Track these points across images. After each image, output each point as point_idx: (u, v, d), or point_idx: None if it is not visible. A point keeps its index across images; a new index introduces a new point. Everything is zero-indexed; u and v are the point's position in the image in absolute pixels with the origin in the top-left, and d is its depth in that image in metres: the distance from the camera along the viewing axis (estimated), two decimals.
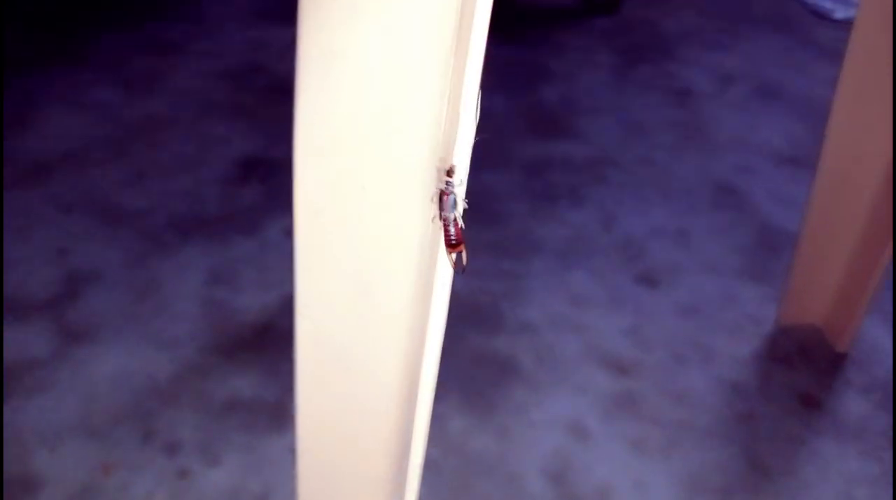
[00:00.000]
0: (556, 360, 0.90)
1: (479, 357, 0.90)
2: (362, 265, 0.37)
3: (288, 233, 1.10)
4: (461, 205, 0.34)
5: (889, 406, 0.87)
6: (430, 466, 0.77)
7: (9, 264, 0.97)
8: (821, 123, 0.86)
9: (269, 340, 0.89)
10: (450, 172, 0.33)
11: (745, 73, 1.65)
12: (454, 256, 0.35)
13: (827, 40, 1.75)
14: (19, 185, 1.12)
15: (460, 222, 0.35)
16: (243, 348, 0.88)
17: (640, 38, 1.76)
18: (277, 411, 0.81)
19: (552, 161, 1.30)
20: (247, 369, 0.85)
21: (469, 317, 0.96)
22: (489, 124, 1.50)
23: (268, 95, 1.40)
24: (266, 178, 1.18)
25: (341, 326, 0.39)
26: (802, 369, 0.91)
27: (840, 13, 1.83)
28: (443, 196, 0.34)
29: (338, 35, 0.32)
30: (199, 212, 1.10)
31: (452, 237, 0.34)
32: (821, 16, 1.85)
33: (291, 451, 0.71)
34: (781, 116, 1.50)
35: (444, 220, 0.34)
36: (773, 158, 1.36)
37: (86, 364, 0.85)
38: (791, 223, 1.13)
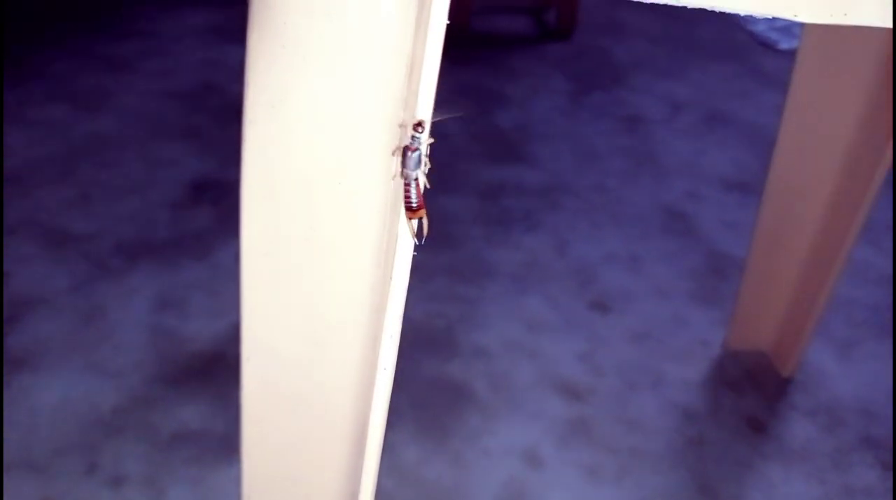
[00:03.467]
0: (510, 386, 0.90)
1: (433, 383, 0.90)
2: (311, 308, 0.36)
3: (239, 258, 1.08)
4: (425, 163, 0.32)
5: (833, 429, 0.89)
6: (385, 497, 0.76)
7: None
8: (768, 150, 0.89)
9: (219, 368, 0.87)
10: (417, 126, 0.31)
11: (695, 101, 1.69)
12: (414, 222, 0.33)
13: (773, 69, 1.80)
14: None
15: (423, 183, 0.32)
16: (191, 377, 0.86)
17: (592, 65, 1.79)
18: (226, 443, 0.79)
19: (507, 186, 1.31)
20: (195, 400, 0.83)
21: (423, 342, 0.96)
22: (444, 148, 1.50)
23: (220, 115, 1.39)
24: (218, 200, 1.16)
25: (289, 369, 0.38)
26: (750, 394, 0.93)
27: (785, 44, 1.90)
28: (406, 152, 0.31)
29: (284, 84, 0.31)
30: (147, 235, 1.07)
31: (413, 200, 0.32)
32: (767, 46, 1.91)
33: (239, 483, 0.70)
34: (729, 143, 1.55)
35: (406, 179, 0.32)
36: (722, 184, 1.39)
37: (27, 394, 0.82)
38: (739, 248, 1.15)
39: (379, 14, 0.29)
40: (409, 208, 0.32)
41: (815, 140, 0.85)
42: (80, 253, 1.03)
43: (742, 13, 0.32)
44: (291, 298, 0.36)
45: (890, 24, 0.32)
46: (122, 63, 1.55)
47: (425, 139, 0.31)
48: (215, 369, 0.87)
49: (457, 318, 1.00)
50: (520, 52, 1.81)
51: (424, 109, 0.30)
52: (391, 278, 0.32)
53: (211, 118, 1.38)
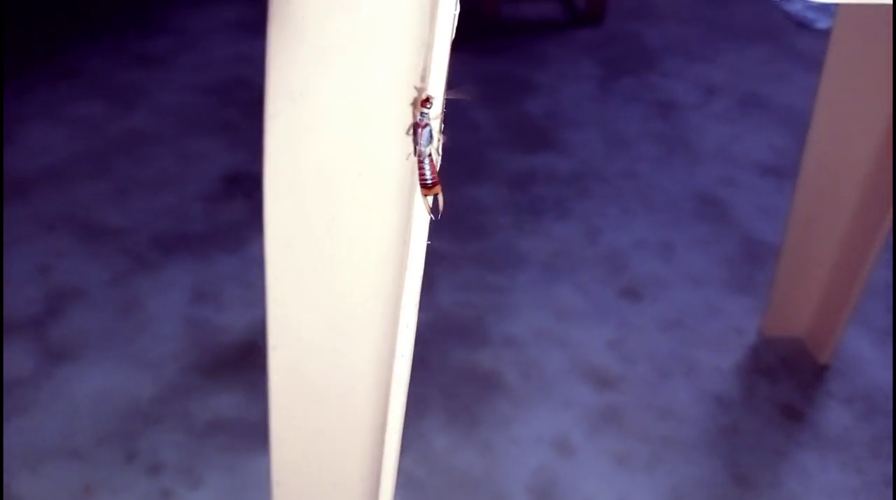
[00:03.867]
0: (540, 374, 0.90)
1: (463, 372, 0.90)
2: (333, 298, 0.37)
3: None
4: (438, 139, 0.32)
5: (870, 417, 0.88)
6: (415, 484, 0.77)
7: None
8: (804, 134, 0.87)
9: (253, 358, 0.89)
10: (425, 102, 0.31)
11: (729, 85, 1.66)
12: (430, 198, 0.33)
13: (810, 50, 1.76)
14: (1, 201, 1.12)
15: (436, 159, 0.32)
16: (226, 367, 0.87)
17: (623, 50, 1.77)
18: (260, 431, 0.80)
19: (537, 174, 1.30)
20: (230, 389, 0.84)
21: (454, 331, 0.96)
22: (473, 137, 1.50)
23: (252, 108, 1.40)
24: (250, 193, 1.17)
25: (314, 358, 0.39)
26: (785, 381, 0.91)
27: (822, 23, 1.85)
28: (417, 129, 0.31)
29: (304, 77, 0.32)
30: (182, 229, 1.09)
31: (428, 176, 0.32)
32: (803, 26, 1.87)
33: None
34: (765, 127, 1.52)
35: (419, 155, 0.32)
36: (757, 169, 1.37)
37: (68, 384, 0.84)
38: (774, 235, 1.13)
39: (394, 4, 0.30)
40: (423, 185, 0.32)
41: (849, 123, 0.83)
42: (118, 247, 1.05)
43: None
44: (314, 287, 0.37)
45: None
46: (156, 59, 1.57)
47: (435, 115, 0.31)
48: (249, 358, 0.89)
49: (487, 307, 1.00)
50: (549, 38, 1.79)
51: (434, 86, 0.30)
52: (406, 265, 0.32)
53: (242, 112, 1.39)
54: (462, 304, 1.00)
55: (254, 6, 1.80)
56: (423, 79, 0.30)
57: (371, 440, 0.38)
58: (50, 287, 0.97)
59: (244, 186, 1.19)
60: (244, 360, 0.88)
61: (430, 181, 0.32)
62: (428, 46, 0.29)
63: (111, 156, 1.25)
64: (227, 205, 1.15)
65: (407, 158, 0.32)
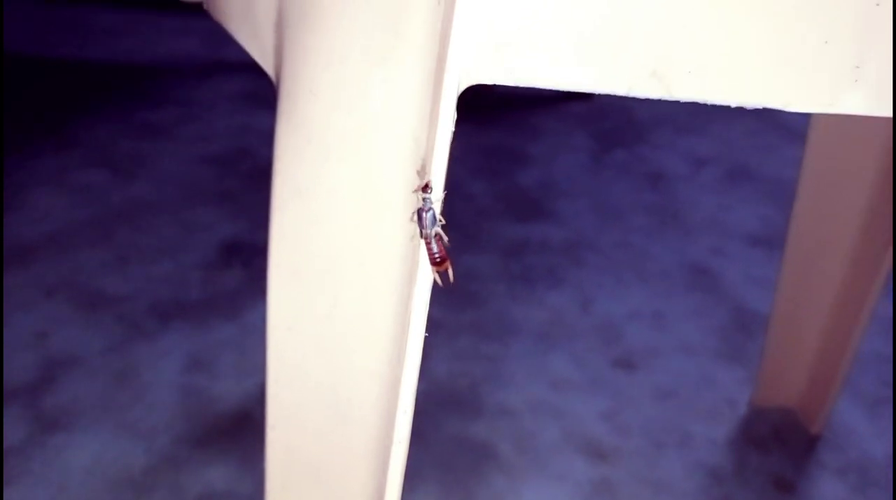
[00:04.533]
0: (535, 446, 0.90)
1: (456, 443, 0.90)
2: (332, 381, 0.38)
3: None
4: (440, 220, 0.34)
5: (863, 489, 0.88)
6: None
7: None
8: (791, 204, 0.90)
9: (247, 428, 0.89)
10: (426, 188, 0.33)
11: (718, 156, 1.71)
12: (440, 274, 0.35)
13: (796, 124, 1.81)
14: (1, 267, 1.13)
15: (443, 237, 0.35)
16: (220, 437, 0.87)
17: (614, 123, 1.82)
18: None
19: (530, 244, 1.32)
20: (222, 460, 0.84)
21: (447, 401, 0.96)
22: (469, 207, 1.52)
23: (252, 179, 1.43)
24: (248, 262, 1.19)
25: (311, 439, 0.39)
26: (777, 452, 0.91)
27: None
28: (421, 213, 0.34)
29: (310, 173, 0.34)
30: (180, 297, 1.10)
31: (437, 254, 0.34)
32: None
33: None
34: (754, 198, 1.55)
35: (426, 238, 0.34)
36: (747, 239, 1.39)
37: (60, 453, 0.84)
38: (765, 305, 1.15)
39: (393, 104, 0.32)
40: (433, 263, 0.34)
41: (834, 195, 0.85)
42: (115, 315, 1.06)
43: (733, 104, 0.33)
44: (314, 370, 0.38)
45: (876, 113, 0.33)
46: (160, 129, 1.61)
47: (437, 199, 0.33)
48: (243, 429, 0.88)
49: (481, 377, 1.01)
50: (542, 110, 1.85)
51: (434, 174, 0.32)
52: (405, 355, 0.34)
53: (243, 182, 1.42)
54: (457, 373, 1.01)
55: (257, 79, 1.85)
56: (425, 167, 0.32)
57: None
58: (46, 354, 0.98)
59: (242, 256, 1.21)
60: (238, 430, 0.88)
61: (439, 259, 0.34)
62: (428, 138, 0.31)
63: (112, 224, 1.27)
64: (225, 273, 1.16)
65: (412, 240, 0.34)
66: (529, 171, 1.57)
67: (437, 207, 0.34)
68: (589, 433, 0.92)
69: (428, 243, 0.34)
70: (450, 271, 0.35)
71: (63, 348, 0.99)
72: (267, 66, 0.41)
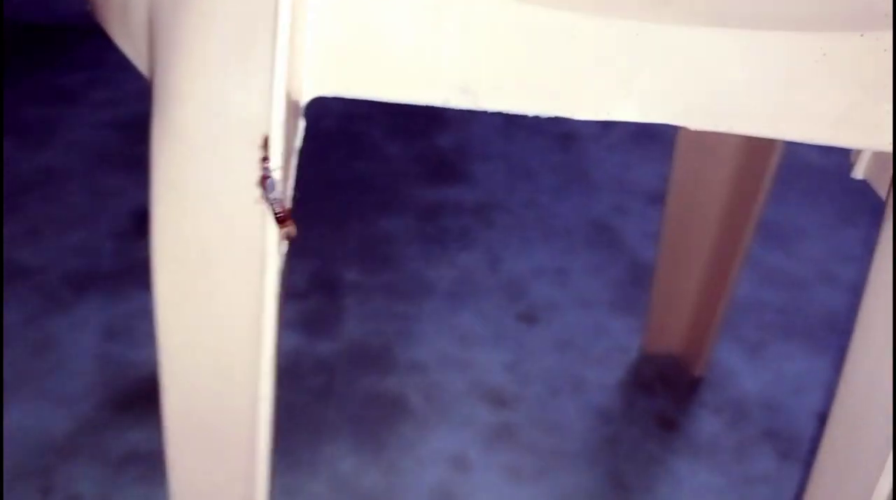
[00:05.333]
0: (442, 397, 0.97)
1: (370, 398, 0.96)
2: (215, 346, 0.44)
3: None
4: (280, 186, 0.41)
5: (737, 424, 0.98)
6: None
7: None
8: None
9: None
10: (265, 160, 0.39)
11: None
12: (284, 231, 0.41)
13: None
14: None
15: (285, 200, 0.41)
16: (139, 401, 0.91)
17: None
18: None
19: (445, 206, 1.38)
20: (143, 423, 0.88)
21: (362, 360, 1.02)
22: (386, 170, 1.56)
23: None
24: None
25: (201, 400, 0.45)
26: (662, 394, 1.01)
27: None
28: (264, 180, 0.40)
29: (180, 168, 0.39)
30: (94, 266, 1.12)
31: (280, 214, 0.40)
32: None
33: None
34: (656, 157, 1.64)
35: (269, 201, 0.40)
36: (647, 197, 1.48)
37: None
38: None
39: (252, 113, 0.38)
40: (277, 222, 0.41)
41: (708, 150, 0.93)
42: (31, 286, 1.07)
43: (531, 114, 0.40)
44: (198, 341, 0.44)
45: (646, 120, 0.41)
46: (68, 94, 1.58)
47: (275, 168, 0.40)
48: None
49: (394, 335, 1.07)
50: None
51: (273, 151, 0.38)
52: (264, 311, 0.40)
53: None
54: (371, 333, 1.07)
55: None
56: (266, 142, 0.38)
57: (250, 467, 0.45)
58: None
59: None
60: (156, 395, 0.92)
61: (281, 217, 0.40)
62: (272, 123, 0.37)
63: (23, 194, 1.26)
64: (139, 242, 1.18)
65: (255, 203, 0.40)
66: (445, 133, 1.62)
67: (276, 174, 0.40)
68: (492, 383, 1.00)
69: (271, 206, 0.40)
70: (292, 229, 0.41)
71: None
72: (142, 68, 0.45)
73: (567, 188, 1.49)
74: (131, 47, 0.46)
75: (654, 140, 1.71)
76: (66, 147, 1.41)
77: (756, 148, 0.88)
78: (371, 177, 1.45)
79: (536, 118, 0.42)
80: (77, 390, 0.91)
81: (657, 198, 1.49)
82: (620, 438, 0.94)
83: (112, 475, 0.82)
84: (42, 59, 1.71)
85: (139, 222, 1.22)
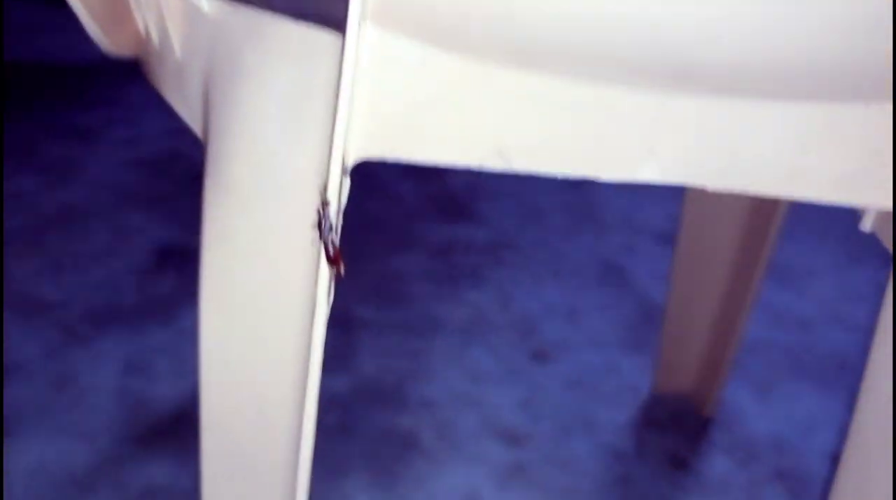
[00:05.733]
0: (454, 434, 0.98)
1: (383, 434, 0.97)
2: (257, 386, 0.45)
3: None
4: (336, 228, 0.43)
5: (748, 463, 0.99)
6: None
7: None
8: None
9: (183, 427, 0.94)
10: (324, 205, 0.42)
11: None
12: (334, 269, 0.44)
13: None
14: None
15: (336, 241, 0.43)
16: (158, 436, 0.92)
17: None
18: (192, 497, 0.85)
19: (456, 244, 1.40)
20: (162, 457, 0.89)
21: (375, 396, 1.03)
22: (398, 209, 1.59)
23: (184, 182, 1.47)
24: (181, 266, 1.23)
25: (240, 437, 0.47)
26: (673, 433, 1.02)
27: None
28: (321, 223, 0.43)
29: (231, 221, 0.41)
30: (115, 302, 1.14)
31: (331, 254, 0.43)
32: None
33: None
34: (663, 197, 1.66)
35: (324, 242, 0.43)
36: (655, 237, 1.50)
37: (3, 457, 0.88)
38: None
39: (302, 174, 0.40)
40: (328, 261, 0.43)
41: (720, 194, 0.95)
42: (52, 321, 1.09)
43: (559, 175, 0.43)
44: (240, 380, 0.45)
45: (668, 182, 0.43)
46: (88, 132, 1.63)
47: (332, 213, 0.43)
48: (180, 428, 0.94)
49: (406, 372, 1.08)
50: None
51: (330, 195, 0.41)
52: (309, 359, 0.42)
53: (175, 185, 1.46)
54: (384, 369, 1.08)
55: None
56: (325, 190, 0.41)
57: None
58: None
59: (176, 260, 1.25)
60: (175, 429, 0.94)
61: (333, 257, 0.43)
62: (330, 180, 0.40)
63: (44, 231, 1.29)
64: (159, 278, 1.20)
65: (312, 244, 0.42)
66: (457, 173, 1.65)
67: (334, 218, 0.43)
68: (504, 421, 1.01)
69: (326, 246, 0.43)
70: (341, 269, 0.44)
71: (3, 354, 1.02)
72: (197, 129, 0.48)
73: (577, 228, 1.51)
74: (185, 107, 0.50)
75: None
76: (88, 184, 1.44)
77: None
78: (384, 216, 1.48)
79: None
80: (97, 425, 0.93)
81: (666, 238, 1.51)
82: (633, 477, 0.95)
83: None
84: (63, 98, 1.76)
85: (159, 260, 1.25)
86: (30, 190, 1.40)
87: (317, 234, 0.43)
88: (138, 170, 1.50)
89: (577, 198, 1.61)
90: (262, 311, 0.44)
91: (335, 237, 0.43)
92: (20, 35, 2.03)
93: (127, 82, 1.87)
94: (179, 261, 1.24)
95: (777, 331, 1.25)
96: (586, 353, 1.16)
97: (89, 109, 1.72)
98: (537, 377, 1.10)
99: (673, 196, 1.67)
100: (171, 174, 1.50)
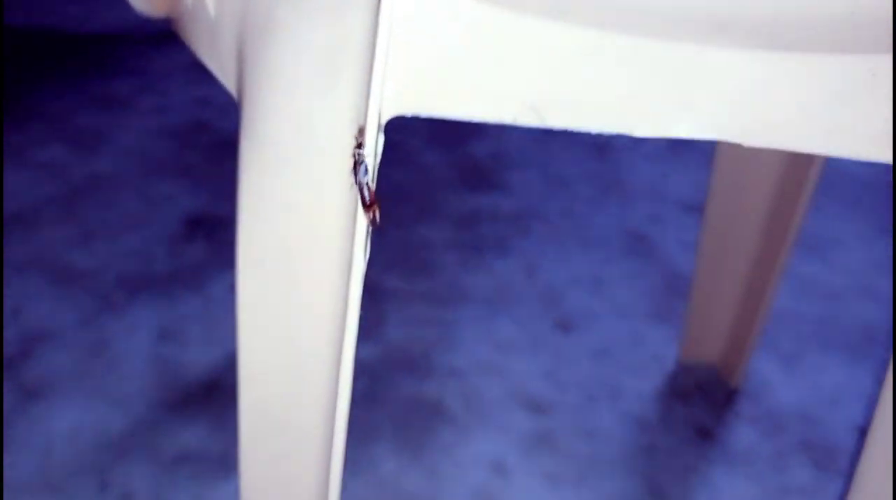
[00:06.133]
0: (480, 403, 0.99)
1: (410, 402, 0.99)
2: (294, 349, 0.46)
3: (232, 289, 1.17)
4: (371, 171, 0.43)
5: (773, 434, 0.99)
6: None
7: None
8: None
9: (216, 394, 0.96)
10: (360, 145, 0.42)
11: None
12: (370, 214, 0.44)
13: None
14: None
15: (371, 186, 0.44)
16: (191, 402, 0.94)
17: None
18: (224, 461, 0.88)
19: (481, 214, 1.40)
20: (195, 423, 0.91)
21: (402, 364, 1.05)
22: (423, 178, 1.59)
23: (211, 152, 1.48)
24: (211, 234, 1.25)
25: (277, 399, 0.48)
26: (699, 404, 1.02)
27: None
28: (356, 166, 0.43)
29: (268, 181, 0.42)
30: (146, 270, 1.16)
31: (367, 199, 0.43)
32: None
33: (237, 496, 0.79)
34: (690, 166, 1.65)
35: (359, 185, 0.43)
36: (682, 206, 1.49)
37: (41, 421, 0.90)
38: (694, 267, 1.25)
39: (337, 129, 0.40)
40: (364, 206, 0.43)
41: (749, 162, 0.94)
42: (85, 288, 1.11)
43: (594, 131, 0.42)
44: (276, 341, 0.46)
45: (701, 137, 0.43)
46: (116, 101, 1.64)
47: (368, 153, 0.43)
48: (213, 394, 0.96)
49: (432, 341, 1.09)
50: None
51: (368, 135, 0.41)
52: (347, 305, 0.43)
53: (202, 155, 1.47)
54: (410, 338, 1.09)
55: None
56: (361, 132, 0.41)
57: (322, 464, 0.48)
58: (22, 328, 1.03)
59: (205, 228, 1.26)
60: (208, 396, 0.96)
61: (368, 202, 0.43)
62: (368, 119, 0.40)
63: (76, 199, 1.31)
64: (189, 247, 1.22)
65: (350, 189, 0.42)
66: (482, 142, 1.64)
67: (369, 160, 0.43)
68: (530, 390, 1.02)
69: (361, 190, 0.43)
70: (377, 214, 0.44)
71: (38, 322, 1.05)
72: (231, 88, 0.48)
73: (603, 197, 1.50)
74: (218, 66, 0.50)
75: (689, 149, 1.72)
76: (117, 153, 1.46)
77: (798, 158, 0.89)
78: (409, 185, 1.48)
79: None
80: (131, 391, 0.95)
81: (692, 207, 1.50)
82: (658, 446, 0.95)
83: (166, 474, 0.86)
84: (91, 68, 1.77)
85: (189, 228, 1.26)
86: (59, 159, 1.41)
87: (352, 178, 0.42)
88: (166, 139, 1.51)
89: (603, 167, 1.60)
90: (299, 269, 0.45)
91: (371, 182, 0.43)
92: (42, 3, 2.04)
93: (151, 51, 1.87)
94: (209, 229, 1.26)
95: (804, 302, 1.24)
96: (612, 323, 1.16)
97: (115, 79, 1.73)
98: (562, 347, 1.10)
99: (699, 165, 1.65)
100: (198, 144, 1.51)
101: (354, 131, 0.40)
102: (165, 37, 1.96)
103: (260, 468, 0.51)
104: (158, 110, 1.62)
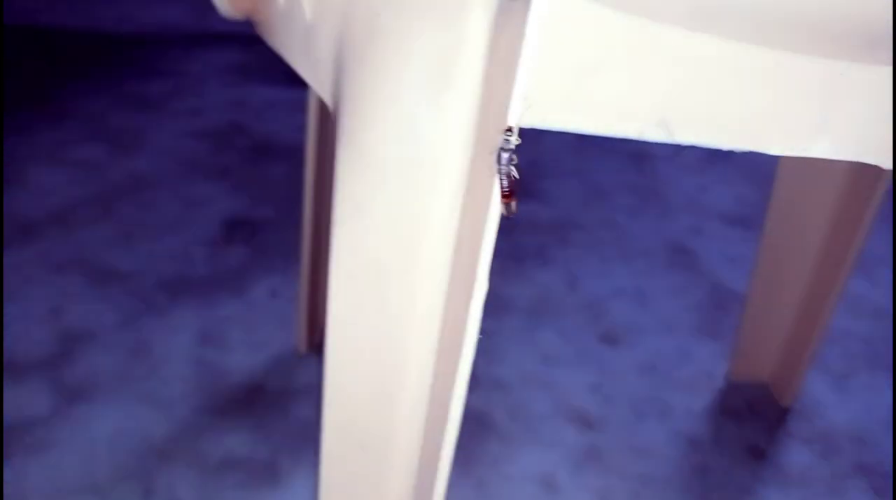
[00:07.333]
0: (527, 416, 0.97)
1: None
2: (381, 366, 0.44)
3: (273, 294, 1.16)
4: (512, 160, 0.42)
5: (828, 456, 0.96)
6: None
7: (3, 324, 1.01)
8: (768, 185, 0.96)
9: (259, 399, 0.94)
10: (508, 131, 0.40)
11: None
12: (507, 204, 0.42)
13: None
14: (9, 244, 1.16)
15: (514, 174, 0.41)
16: (234, 407, 0.93)
17: None
18: (270, 469, 0.86)
19: (520, 223, 1.38)
20: (239, 429, 0.90)
21: None
22: None
23: (247, 154, 1.47)
24: (250, 238, 1.24)
25: (361, 415, 0.46)
26: (751, 423, 0.99)
27: None
28: (500, 153, 0.40)
29: (365, 194, 0.40)
30: (186, 272, 1.15)
31: (506, 188, 0.41)
32: None
33: None
34: (731, 178, 1.62)
35: (499, 172, 0.41)
36: (724, 218, 1.46)
37: (85, 423, 0.89)
38: (740, 282, 1.22)
39: (442, 145, 0.38)
40: (502, 195, 0.41)
41: (810, 179, 0.92)
42: (125, 290, 1.10)
43: (724, 148, 0.40)
44: (365, 359, 0.44)
45: (838, 158, 0.40)
46: (151, 102, 1.63)
47: (514, 141, 0.41)
48: (257, 400, 0.94)
49: (477, 351, 1.07)
50: None
51: (513, 119, 0.39)
52: (465, 329, 0.40)
53: (240, 157, 1.46)
54: None
55: (248, 50, 1.87)
56: (507, 116, 0.39)
57: (406, 489, 0.46)
58: (61, 329, 1.02)
59: (244, 232, 1.25)
60: (252, 401, 0.94)
61: (507, 191, 0.40)
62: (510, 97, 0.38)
63: (114, 200, 1.30)
64: (229, 249, 1.21)
65: (494, 176, 0.41)
66: (518, 150, 1.62)
67: (513, 147, 0.41)
68: (577, 404, 0.99)
69: (500, 177, 0.40)
70: (513, 204, 0.42)
71: (77, 322, 1.03)
72: (325, 95, 0.46)
73: (642, 208, 1.48)
74: (310, 71, 0.48)
75: (728, 161, 1.69)
76: (154, 154, 1.45)
77: (861, 176, 0.86)
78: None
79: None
80: (174, 394, 0.94)
81: (734, 220, 1.47)
82: (710, 466, 0.92)
83: (210, 480, 0.84)
84: (127, 68, 1.76)
85: (228, 231, 1.25)
86: (97, 159, 1.41)
87: (495, 164, 0.40)
88: (202, 141, 1.51)
89: (641, 177, 1.58)
90: (395, 286, 0.42)
91: (514, 171, 0.40)
92: (81, 5, 2.04)
93: (187, 53, 1.87)
94: (247, 233, 1.24)
95: (852, 320, 1.21)
96: (658, 337, 1.13)
97: (151, 79, 1.73)
98: (608, 361, 1.08)
99: (737, 177, 1.63)
100: (234, 146, 1.50)
101: (464, 149, 0.38)
102: (202, 39, 1.96)
103: (340, 489, 0.49)
104: (194, 112, 1.61)
